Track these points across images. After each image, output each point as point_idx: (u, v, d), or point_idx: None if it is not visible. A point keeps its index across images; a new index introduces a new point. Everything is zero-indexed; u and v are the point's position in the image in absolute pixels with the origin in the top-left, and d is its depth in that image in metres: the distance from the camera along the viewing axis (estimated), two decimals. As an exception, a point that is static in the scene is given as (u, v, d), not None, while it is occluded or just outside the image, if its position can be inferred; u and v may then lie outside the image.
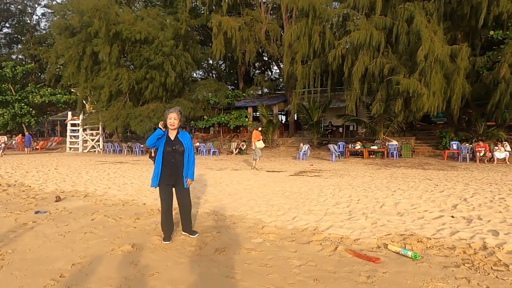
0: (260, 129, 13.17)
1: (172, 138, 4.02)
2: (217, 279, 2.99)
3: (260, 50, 30.71)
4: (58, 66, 29.67)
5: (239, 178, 9.57)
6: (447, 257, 3.42)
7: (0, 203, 6.30)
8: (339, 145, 18.79)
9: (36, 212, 5.48)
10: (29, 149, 24.36)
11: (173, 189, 4.08)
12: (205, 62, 36.71)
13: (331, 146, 16.80)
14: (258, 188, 7.72)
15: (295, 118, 26.61)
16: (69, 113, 27.16)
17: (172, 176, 3.96)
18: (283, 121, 31.67)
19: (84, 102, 25.03)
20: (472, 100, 17.07)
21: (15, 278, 3.04)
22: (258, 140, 12.02)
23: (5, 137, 24.69)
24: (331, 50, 15.99)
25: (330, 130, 25.04)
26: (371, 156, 17.66)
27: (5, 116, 30.66)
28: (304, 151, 17.42)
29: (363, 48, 14.98)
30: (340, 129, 25.13)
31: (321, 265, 3.28)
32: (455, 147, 15.98)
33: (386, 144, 17.53)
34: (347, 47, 16.17)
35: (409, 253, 3.47)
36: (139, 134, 22.63)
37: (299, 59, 17.04)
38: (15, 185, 8.47)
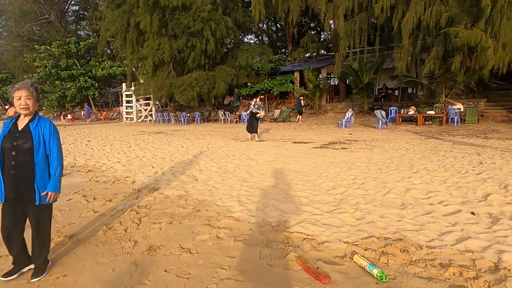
0: None
1: (20, 129, 2.59)
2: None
3: (307, 7, 28.26)
4: (110, 39, 30.91)
5: (252, 151, 8.88)
6: (429, 281, 2.44)
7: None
8: (390, 110, 16.85)
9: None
10: (89, 120, 26.36)
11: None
12: (255, 26, 35.19)
13: (377, 112, 15.05)
14: (261, 165, 6.93)
15: (347, 82, 24.53)
16: (124, 84, 28.48)
17: (11, 187, 2.54)
18: (333, 85, 29.54)
19: (137, 73, 25.94)
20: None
21: None
22: None
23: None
24: (379, 1, 13.78)
25: (384, 94, 22.66)
26: (427, 122, 15.52)
27: (72, 90, 33.31)
28: (347, 118, 15.95)
29: (417, -5, 12.59)
30: (396, 92, 22.54)
31: (254, 279, 2.55)
32: (535, 110, 13.20)
33: (447, 108, 15.23)
34: (398, -5, 13.78)
35: (375, 271, 2.55)
36: (182, 103, 22.91)
37: (341, 14, 15.04)
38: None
